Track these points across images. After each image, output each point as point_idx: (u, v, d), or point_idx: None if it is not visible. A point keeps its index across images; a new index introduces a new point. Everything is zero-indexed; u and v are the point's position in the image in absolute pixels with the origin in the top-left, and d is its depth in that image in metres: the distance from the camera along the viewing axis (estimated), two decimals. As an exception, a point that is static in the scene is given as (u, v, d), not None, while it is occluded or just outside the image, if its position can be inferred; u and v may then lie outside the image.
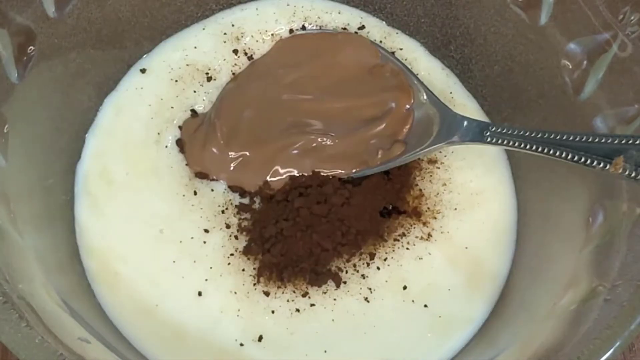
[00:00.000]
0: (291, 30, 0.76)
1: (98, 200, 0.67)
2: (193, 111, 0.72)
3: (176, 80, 0.72)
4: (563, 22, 0.62)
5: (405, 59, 0.75)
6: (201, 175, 0.69)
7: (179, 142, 0.70)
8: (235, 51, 0.75)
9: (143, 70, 0.73)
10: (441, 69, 0.76)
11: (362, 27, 0.77)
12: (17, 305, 0.47)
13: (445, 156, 0.71)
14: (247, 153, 0.69)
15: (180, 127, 0.71)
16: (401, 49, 0.76)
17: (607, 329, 0.48)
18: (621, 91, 0.58)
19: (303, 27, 0.76)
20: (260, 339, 0.62)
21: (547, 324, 0.56)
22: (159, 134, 0.70)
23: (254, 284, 0.64)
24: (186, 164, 0.69)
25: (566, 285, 0.58)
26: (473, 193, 0.70)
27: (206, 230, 0.66)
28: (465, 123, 0.65)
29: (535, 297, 0.63)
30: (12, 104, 0.59)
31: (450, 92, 0.75)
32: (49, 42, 0.63)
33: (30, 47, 0.61)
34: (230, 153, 0.69)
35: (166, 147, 0.70)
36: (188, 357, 0.62)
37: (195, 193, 0.68)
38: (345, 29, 0.77)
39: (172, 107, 0.71)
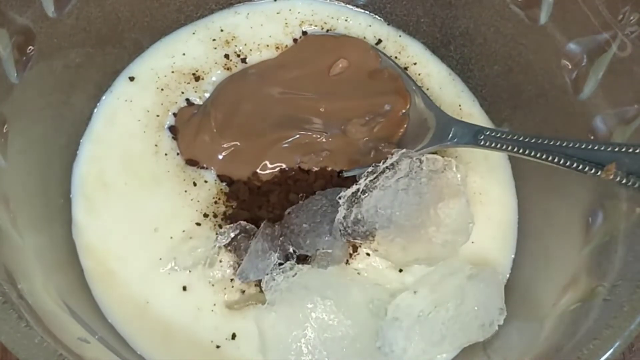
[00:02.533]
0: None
1: (95, 202, 0.67)
2: (188, 100, 0.72)
3: (162, 89, 0.72)
4: (563, 22, 0.62)
5: (419, 74, 0.76)
6: (191, 162, 0.69)
7: (173, 129, 0.71)
8: (227, 55, 0.75)
9: (132, 79, 0.73)
10: (453, 86, 0.76)
11: (379, 42, 0.77)
12: (17, 305, 0.47)
13: (449, 159, 0.71)
14: (239, 143, 0.69)
15: (174, 114, 0.71)
16: (415, 64, 0.77)
17: (607, 329, 0.48)
18: (621, 91, 0.59)
19: (304, 33, 0.77)
20: (233, 337, 0.63)
21: (547, 324, 0.56)
22: (156, 145, 0.70)
23: (231, 279, 0.65)
24: (177, 153, 0.70)
25: (566, 285, 0.58)
26: (477, 192, 0.70)
27: (198, 224, 0.67)
28: (460, 127, 0.66)
29: (535, 297, 0.63)
30: (11, 103, 0.59)
31: (460, 105, 0.75)
32: (48, 42, 0.62)
33: (30, 47, 0.61)
34: (222, 142, 0.69)
35: (165, 154, 0.70)
36: (179, 356, 0.62)
37: (194, 184, 0.68)
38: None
39: (157, 116, 0.71)
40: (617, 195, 0.56)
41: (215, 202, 0.68)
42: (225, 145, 0.69)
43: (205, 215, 0.67)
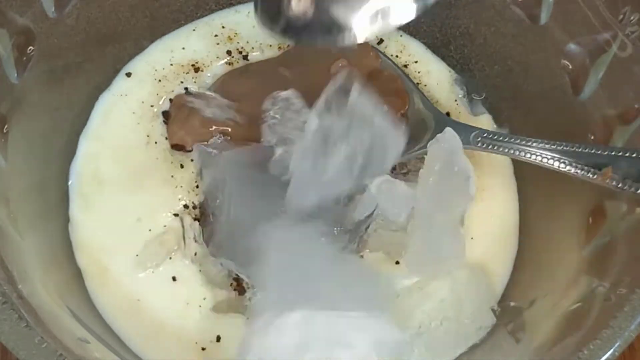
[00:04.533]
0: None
1: (89, 199, 0.67)
2: (187, 89, 0.72)
3: (159, 80, 0.72)
4: (563, 22, 0.62)
5: (419, 72, 0.76)
6: (177, 147, 0.69)
7: (166, 114, 0.71)
8: (229, 52, 0.75)
9: (128, 74, 0.73)
10: (451, 85, 0.76)
11: (380, 42, 0.77)
12: (17, 305, 0.47)
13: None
14: (229, 129, 0.68)
15: (171, 100, 0.71)
16: (416, 62, 0.76)
17: (607, 329, 0.48)
18: (621, 91, 0.59)
19: None
20: (218, 339, 0.63)
21: (547, 324, 0.56)
22: (148, 136, 0.70)
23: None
24: (166, 138, 0.70)
25: (566, 285, 0.58)
26: (479, 188, 0.70)
27: (175, 215, 0.67)
28: (458, 128, 0.65)
29: (535, 297, 0.63)
30: (11, 104, 0.59)
31: (456, 101, 0.75)
32: (48, 42, 0.62)
33: (30, 47, 0.61)
34: (211, 127, 0.68)
35: (156, 142, 0.70)
36: (170, 355, 0.62)
37: (181, 166, 0.68)
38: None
39: (152, 106, 0.71)
40: (618, 195, 0.56)
41: (198, 187, 0.68)
42: (213, 129, 0.68)
43: (186, 207, 0.67)
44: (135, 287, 0.64)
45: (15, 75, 0.59)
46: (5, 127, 0.58)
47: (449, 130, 0.62)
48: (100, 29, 0.69)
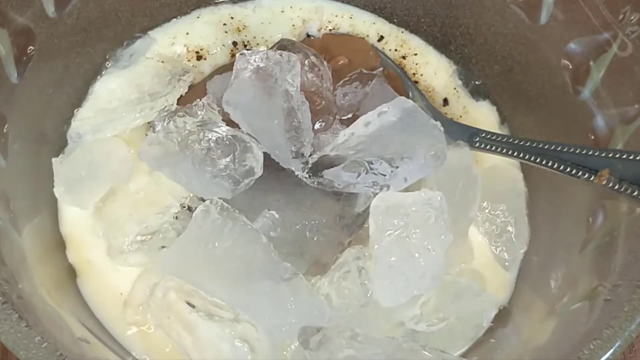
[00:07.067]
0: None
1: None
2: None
3: (162, 62, 0.72)
4: (563, 22, 0.62)
5: (417, 64, 0.76)
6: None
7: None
8: (235, 43, 0.74)
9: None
10: (449, 75, 0.76)
11: (381, 39, 0.77)
12: (17, 305, 0.47)
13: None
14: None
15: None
16: (415, 54, 0.76)
17: (608, 329, 0.48)
18: (621, 91, 0.59)
19: (308, 35, 0.77)
20: None
21: (547, 324, 0.56)
22: (148, 123, 0.69)
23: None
24: None
25: (566, 285, 0.58)
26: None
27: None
28: (456, 128, 0.66)
29: (536, 297, 0.63)
30: (12, 104, 0.59)
31: (456, 89, 0.75)
32: (48, 42, 0.63)
33: (30, 47, 0.61)
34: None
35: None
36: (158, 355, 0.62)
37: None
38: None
39: (151, 94, 0.70)
40: (618, 196, 0.56)
41: None
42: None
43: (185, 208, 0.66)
44: (119, 279, 0.63)
45: (15, 75, 0.59)
46: (6, 127, 0.58)
47: (461, 143, 0.63)
48: (100, 29, 0.69)
